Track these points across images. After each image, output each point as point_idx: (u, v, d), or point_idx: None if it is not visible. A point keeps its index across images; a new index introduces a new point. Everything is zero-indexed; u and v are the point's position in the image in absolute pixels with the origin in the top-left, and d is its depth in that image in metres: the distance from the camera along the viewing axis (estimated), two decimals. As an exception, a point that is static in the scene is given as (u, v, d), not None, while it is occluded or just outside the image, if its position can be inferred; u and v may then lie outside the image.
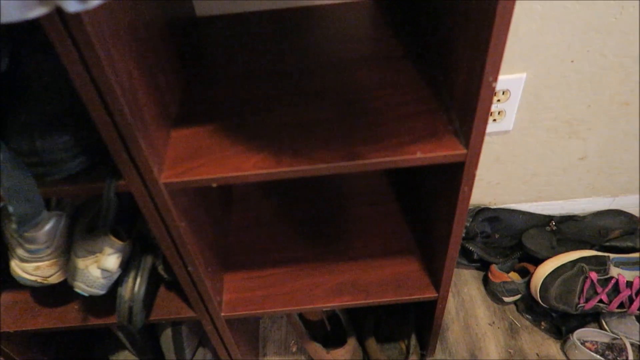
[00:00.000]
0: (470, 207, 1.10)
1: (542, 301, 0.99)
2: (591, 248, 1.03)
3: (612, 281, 0.94)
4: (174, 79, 0.60)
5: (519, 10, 0.77)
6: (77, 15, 0.37)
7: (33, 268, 0.65)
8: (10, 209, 0.45)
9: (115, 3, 0.43)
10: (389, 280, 0.75)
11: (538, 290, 0.98)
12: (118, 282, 0.68)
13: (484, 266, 1.12)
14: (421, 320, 0.97)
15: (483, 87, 0.44)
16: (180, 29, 0.66)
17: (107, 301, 0.75)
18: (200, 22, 0.75)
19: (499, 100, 0.90)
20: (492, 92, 0.45)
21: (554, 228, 1.07)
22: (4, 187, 0.45)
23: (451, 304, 1.09)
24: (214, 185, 0.52)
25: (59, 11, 0.37)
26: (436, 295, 0.73)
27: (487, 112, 0.46)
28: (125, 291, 0.67)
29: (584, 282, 0.95)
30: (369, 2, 0.75)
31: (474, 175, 0.53)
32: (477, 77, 0.44)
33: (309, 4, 0.76)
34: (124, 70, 0.44)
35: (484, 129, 0.48)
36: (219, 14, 0.76)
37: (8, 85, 0.53)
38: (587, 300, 0.95)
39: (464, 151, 0.50)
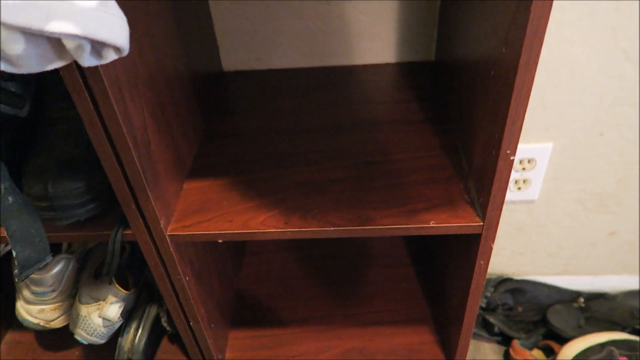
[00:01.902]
0: (492, 277, 1.06)
1: (566, 385, 0.92)
2: (622, 330, 0.96)
3: (645, 369, 0.87)
4: (192, 132, 0.60)
5: (545, 79, 0.77)
6: (94, 67, 0.37)
7: (37, 311, 0.65)
8: (14, 253, 0.45)
9: (136, 55, 0.44)
10: (399, 350, 0.71)
11: (563, 373, 0.92)
12: (119, 332, 0.66)
13: (505, 340, 1.06)
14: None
15: (500, 159, 0.43)
16: (205, 82, 0.67)
17: (108, 349, 0.73)
18: (226, 76, 0.77)
19: (524, 169, 0.87)
20: (510, 166, 0.43)
21: (582, 305, 1.01)
22: (10, 231, 0.45)
23: (468, 379, 1.02)
24: (220, 240, 0.51)
25: (77, 62, 0.37)
26: (449, 371, 0.68)
27: (505, 185, 0.45)
28: (126, 342, 0.65)
29: (613, 367, 0.88)
30: (393, 65, 0.76)
31: (490, 249, 0.51)
32: (495, 150, 0.43)
33: (333, 63, 0.77)
34: (139, 123, 0.44)
35: (502, 201, 0.46)
36: (245, 70, 0.78)
37: (32, 128, 0.54)
38: (616, 388, 0.88)
39: (480, 223, 0.48)
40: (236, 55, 0.76)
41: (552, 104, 0.79)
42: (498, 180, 0.44)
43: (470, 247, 0.53)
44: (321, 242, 0.90)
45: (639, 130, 0.82)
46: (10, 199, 0.45)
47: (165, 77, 0.51)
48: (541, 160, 0.86)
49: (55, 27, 0.30)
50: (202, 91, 0.65)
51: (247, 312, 0.78)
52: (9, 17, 0.29)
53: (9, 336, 0.78)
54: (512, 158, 0.43)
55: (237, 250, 0.85)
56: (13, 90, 0.45)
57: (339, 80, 0.73)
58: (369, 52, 0.75)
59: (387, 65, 0.76)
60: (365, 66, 0.76)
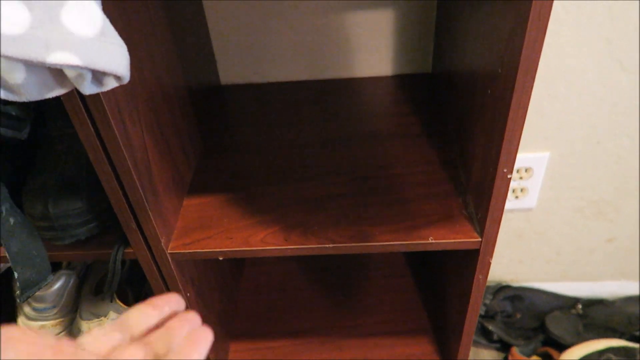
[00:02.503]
0: (491, 284, 1.06)
1: (566, 392, 0.92)
2: (620, 337, 0.96)
3: (644, 376, 0.87)
4: (190, 148, 0.60)
5: (542, 89, 0.77)
6: (95, 94, 0.38)
7: (38, 327, 0.65)
8: (16, 274, 0.45)
9: (136, 78, 0.44)
10: (399, 362, 0.71)
11: (562, 380, 0.92)
12: (120, 347, 0.66)
13: (504, 347, 1.06)
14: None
15: (498, 177, 0.43)
16: (203, 97, 0.68)
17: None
18: (224, 90, 0.77)
19: (521, 178, 0.88)
20: (508, 183, 0.43)
21: (581, 312, 1.02)
22: (11, 252, 0.45)
23: (468, 386, 1.02)
24: (221, 258, 0.51)
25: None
26: (449, 382, 0.69)
27: (503, 202, 0.45)
28: (127, 357, 0.65)
29: (613, 374, 0.89)
30: (390, 77, 0.76)
31: (489, 264, 0.51)
32: (493, 167, 0.43)
33: (330, 76, 0.77)
34: (138, 143, 0.44)
35: (500, 217, 0.46)
36: (243, 83, 0.78)
37: (31, 148, 0.54)
38: (616, 395, 0.88)
39: (479, 239, 0.49)
40: (234, 68, 0.77)
41: (549, 114, 0.80)
42: (495, 197, 0.45)
43: (469, 262, 0.54)
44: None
45: (638, 138, 0.82)
46: (11, 220, 0.45)
47: (164, 95, 0.52)
48: (538, 168, 0.86)
49: (56, 58, 0.30)
50: (200, 106, 0.66)
51: (247, 324, 0.79)
52: (10, 50, 0.29)
53: (10, 351, 0.78)
54: (509, 176, 0.43)
55: (237, 262, 0.85)
56: (13, 113, 0.45)
57: (337, 93, 0.74)
58: (366, 64, 0.76)
59: (384, 77, 0.76)
60: (362, 79, 0.76)
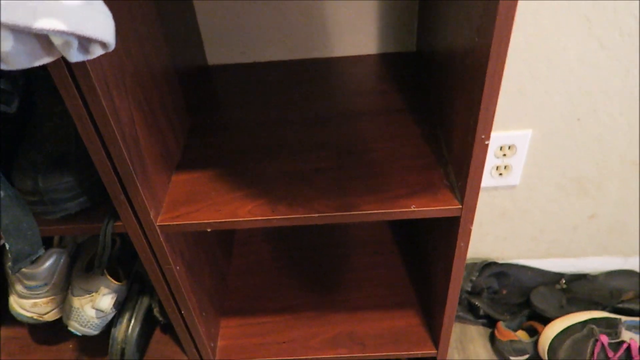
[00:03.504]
0: (477, 262, 1.08)
1: (550, 363, 0.95)
2: (602, 309, 0.99)
3: (624, 346, 0.90)
4: (179, 125, 0.61)
5: (524, 69, 0.79)
6: (82, 64, 0.38)
7: (30, 304, 0.66)
8: (7, 245, 0.46)
9: (122, 51, 0.45)
10: (386, 334, 0.73)
11: (546, 352, 0.95)
12: (112, 323, 0.68)
13: (490, 323, 1.09)
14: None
15: (476, 145, 0.45)
16: (190, 76, 0.68)
17: (102, 341, 0.75)
18: (211, 70, 0.78)
19: (504, 155, 0.90)
20: (485, 150, 0.45)
21: (564, 287, 1.05)
22: (2, 224, 0.46)
23: (456, 361, 1.05)
24: (209, 230, 0.52)
25: (64, 59, 0.38)
26: (435, 352, 0.71)
27: (481, 169, 0.47)
28: (119, 332, 0.67)
29: (594, 345, 0.91)
30: (375, 56, 0.77)
31: (469, 231, 0.53)
32: (471, 136, 0.45)
33: (316, 56, 0.78)
34: (126, 117, 0.45)
35: (479, 184, 0.48)
36: (230, 63, 0.79)
37: (21, 124, 0.55)
38: (597, 365, 0.91)
39: (459, 206, 0.50)
40: (220, 49, 0.77)
41: (531, 92, 0.82)
42: (474, 164, 0.46)
43: (451, 231, 0.55)
44: (308, 232, 0.92)
45: (617, 115, 0.84)
46: (1, 193, 0.46)
47: (151, 72, 0.52)
48: (521, 146, 0.88)
49: (43, 24, 0.31)
50: (187, 85, 0.66)
51: (237, 302, 0.80)
52: (-3, 16, 0.30)
53: (2, 332, 0.79)
54: (486, 143, 0.44)
55: (226, 241, 0.86)
56: (2, 87, 0.46)
57: (322, 72, 0.75)
58: (351, 43, 0.77)
59: (369, 56, 0.77)
60: (347, 58, 0.77)
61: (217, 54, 0.78)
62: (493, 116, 0.42)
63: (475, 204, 0.50)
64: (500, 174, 0.92)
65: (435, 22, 0.60)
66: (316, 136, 0.62)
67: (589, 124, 0.86)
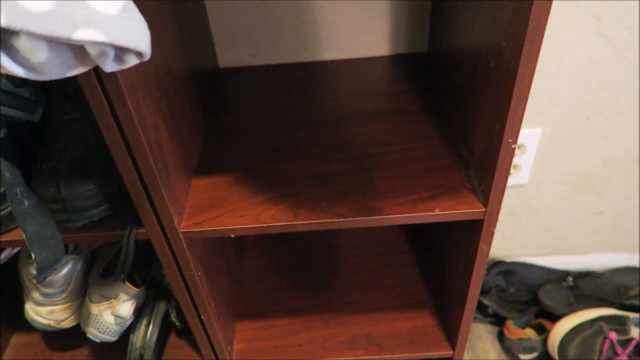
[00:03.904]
0: (484, 260, 1.09)
1: (560, 360, 0.96)
2: (610, 306, 1.00)
3: (633, 342, 0.91)
4: (195, 129, 0.61)
5: (534, 68, 0.79)
6: (112, 73, 0.38)
7: (47, 312, 0.65)
8: (33, 255, 0.46)
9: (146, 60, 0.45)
10: (403, 335, 0.73)
11: (556, 350, 0.95)
12: (130, 329, 0.67)
13: (498, 321, 1.09)
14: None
15: (502, 148, 0.45)
16: (204, 80, 0.68)
17: (116, 347, 0.74)
18: (222, 73, 0.78)
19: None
20: (512, 154, 0.45)
21: (571, 284, 1.05)
22: (28, 233, 0.45)
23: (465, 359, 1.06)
24: (232, 235, 0.52)
25: (95, 69, 0.38)
26: (452, 352, 0.71)
27: (507, 172, 0.47)
28: (137, 338, 0.66)
29: (604, 342, 0.92)
30: (386, 57, 0.77)
31: (492, 233, 0.53)
32: (497, 138, 0.45)
33: (329, 58, 0.78)
34: (151, 123, 0.45)
35: (503, 188, 0.48)
36: (241, 66, 0.79)
37: (39, 132, 0.54)
38: (607, 361, 0.92)
39: (483, 209, 0.51)
40: (232, 51, 0.77)
41: (541, 91, 0.82)
42: (500, 167, 0.46)
43: (472, 233, 0.55)
44: (320, 233, 0.92)
45: (625, 112, 0.85)
46: (26, 202, 0.46)
47: (171, 77, 0.52)
48: (530, 145, 0.89)
49: (82, 35, 0.31)
50: (201, 88, 0.66)
51: (251, 304, 0.80)
52: (36, 27, 0.30)
53: (15, 339, 0.79)
54: (513, 146, 0.45)
55: (238, 243, 0.86)
56: (26, 96, 0.45)
57: (335, 74, 0.75)
58: (363, 45, 0.77)
59: (381, 58, 0.77)
60: (359, 60, 0.77)
61: (229, 56, 0.78)
62: (521, 120, 0.43)
63: (500, 206, 0.50)
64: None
65: (451, 23, 0.60)
66: (332, 138, 0.62)
67: (597, 121, 0.86)
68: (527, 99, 0.41)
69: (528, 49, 0.38)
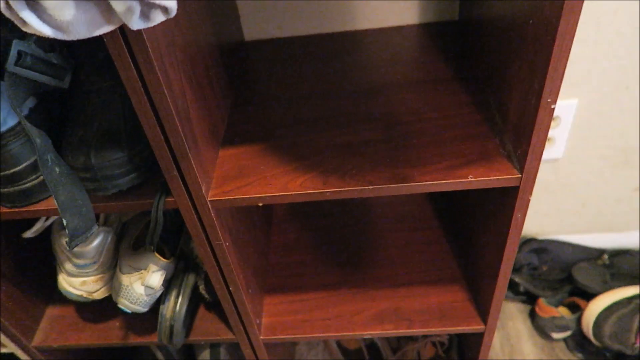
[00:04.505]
0: (516, 237, 1.06)
1: (595, 339, 0.93)
2: (648, 284, 0.97)
3: (673, 321, 0.88)
4: (222, 100, 0.61)
5: (571, 35, 0.76)
6: (138, 34, 0.38)
7: (80, 283, 0.67)
8: (65, 222, 0.46)
9: (172, 22, 0.44)
10: (433, 310, 0.72)
11: (591, 328, 0.93)
12: (160, 301, 0.68)
13: (530, 300, 1.07)
14: (464, 354, 0.93)
15: (541, 109, 0.43)
16: (230, 51, 0.67)
17: (147, 320, 0.75)
18: (248, 45, 0.77)
19: (548, 127, 0.87)
20: (551, 115, 0.43)
21: (607, 262, 1.02)
22: (60, 200, 0.46)
23: (495, 338, 1.04)
24: (260, 204, 0.52)
25: (121, 29, 0.38)
26: (483, 327, 0.70)
27: (545, 135, 0.45)
28: (167, 310, 0.67)
29: (641, 320, 0.89)
30: (416, 26, 0.75)
31: (528, 201, 0.51)
32: (535, 99, 0.43)
33: (355, 28, 0.76)
34: (178, 89, 0.45)
35: (541, 152, 0.46)
36: (266, 39, 0.78)
37: (68, 103, 0.55)
38: (644, 340, 0.89)
39: (519, 175, 0.49)
40: (257, 24, 0.76)
41: (578, 59, 0.79)
42: (538, 130, 0.44)
43: (507, 201, 0.54)
44: (347, 208, 0.91)
45: (666, 82, 0.81)
46: (57, 169, 0.46)
47: (197, 45, 0.52)
48: (566, 117, 0.85)
49: (108, -12, 0.30)
50: (227, 60, 0.65)
51: (279, 279, 0.80)
52: (62, -19, 0.29)
53: (49, 311, 0.80)
54: (552, 107, 0.43)
55: (266, 218, 0.86)
56: (55, 62, 0.46)
57: (362, 44, 0.73)
58: (392, 14, 0.75)
59: (410, 26, 0.75)
60: (387, 29, 0.75)
61: (254, 29, 0.77)
62: (562, 78, 0.41)
63: (536, 172, 0.48)
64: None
65: (485, -14, 0.58)
66: (361, 108, 0.61)
67: (637, 91, 0.83)
68: (568, 55, 0.39)
69: (570, 1, 0.36)
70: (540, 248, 1.06)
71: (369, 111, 0.60)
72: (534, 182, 0.49)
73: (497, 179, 0.49)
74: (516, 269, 1.05)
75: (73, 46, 0.50)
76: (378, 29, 0.76)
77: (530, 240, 1.06)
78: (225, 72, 0.63)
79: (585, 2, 0.71)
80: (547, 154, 0.91)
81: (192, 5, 0.51)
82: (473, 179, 0.49)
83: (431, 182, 0.49)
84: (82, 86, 0.53)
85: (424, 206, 0.89)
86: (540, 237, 1.08)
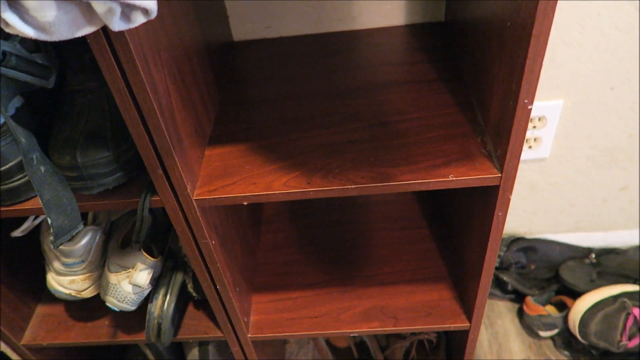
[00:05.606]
0: (504, 237, 1.08)
1: (581, 337, 0.94)
2: (634, 283, 0.98)
3: (657, 318, 0.89)
4: (209, 100, 0.61)
5: (556, 36, 0.77)
6: (121, 35, 0.38)
7: (68, 281, 0.67)
8: (49, 220, 0.46)
9: (157, 24, 0.45)
10: (419, 307, 0.73)
11: (577, 326, 0.94)
12: (148, 299, 0.69)
13: (518, 298, 1.08)
14: (452, 352, 0.94)
15: (519, 109, 0.44)
16: (217, 52, 0.68)
17: (136, 318, 0.76)
18: (236, 46, 0.77)
19: (534, 127, 0.88)
20: (528, 114, 0.44)
21: (594, 261, 1.03)
22: (45, 199, 0.46)
23: (484, 336, 1.05)
24: (245, 203, 0.52)
25: (104, 31, 0.38)
26: (468, 325, 0.70)
27: (523, 134, 0.46)
28: (155, 308, 0.67)
29: (627, 318, 0.90)
30: (402, 27, 0.76)
31: (508, 200, 0.52)
32: (513, 100, 0.44)
33: (342, 29, 0.77)
34: (163, 89, 0.45)
35: (520, 151, 0.47)
36: (255, 39, 0.78)
37: (55, 102, 0.55)
38: (630, 338, 0.90)
39: (499, 174, 0.49)
40: (246, 24, 0.77)
41: (563, 60, 0.80)
42: (516, 130, 0.45)
43: (488, 200, 0.54)
44: (335, 208, 0.91)
45: (650, 83, 0.82)
46: (42, 168, 0.46)
47: (183, 46, 0.52)
48: (552, 117, 0.87)
49: (87, -10, 0.31)
50: (215, 60, 0.66)
51: (268, 278, 0.80)
52: (42, -17, 0.30)
53: (39, 310, 0.81)
54: (529, 107, 0.43)
55: (255, 218, 0.87)
56: (39, 62, 0.46)
57: (350, 45, 0.74)
58: (378, 15, 0.75)
59: (396, 27, 0.76)
60: (374, 30, 0.76)
61: (243, 29, 0.77)
62: (537, 78, 0.41)
63: (516, 172, 0.49)
64: (530, 147, 0.91)
65: (468, -12, 0.58)
66: (346, 108, 0.61)
67: (622, 92, 0.84)
68: (543, 57, 0.40)
69: (544, 2, 0.37)
70: (528, 247, 1.07)
71: (354, 111, 0.61)
72: (514, 181, 0.50)
73: (478, 178, 0.50)
74: (504, 268, 1.06)
75: (59, 47, 0.51)
76: (365, 30, 0.76)
77: (518, 239, 1.07)
78: (213, 72, 0.64)
79: (569, 5, 0.73)
80: (534, 154, 0.93)
81: (178, 6, 0.51)
82: (454, 178, 0.50)
83: (413, 182, 0.50)
84: (68, 86, 0.54)
85: (412, 206, 0.89)
86: (528, 236, 1.09)
